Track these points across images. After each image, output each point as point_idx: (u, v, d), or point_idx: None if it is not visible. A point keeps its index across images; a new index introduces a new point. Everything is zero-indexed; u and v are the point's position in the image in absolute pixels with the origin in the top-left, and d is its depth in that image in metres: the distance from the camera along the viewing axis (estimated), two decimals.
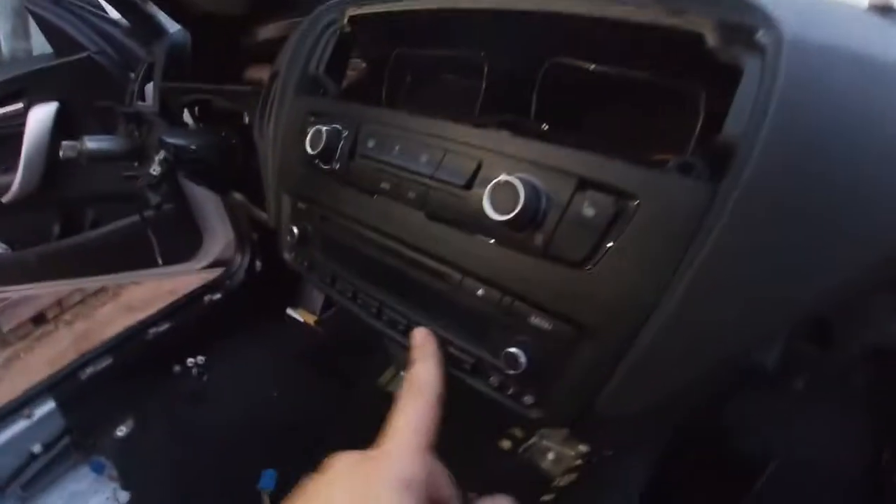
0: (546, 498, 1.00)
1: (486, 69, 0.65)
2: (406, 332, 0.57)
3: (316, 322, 1.64)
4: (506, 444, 1.07)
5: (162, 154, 0.87)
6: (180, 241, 1.66)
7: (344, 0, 0.73)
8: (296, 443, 1.39)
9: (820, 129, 0.38)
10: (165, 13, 1.19)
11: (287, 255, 0.74)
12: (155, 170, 0.85)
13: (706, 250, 0.39)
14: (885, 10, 0.50)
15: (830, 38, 0.41)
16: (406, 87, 0.79)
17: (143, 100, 1.25)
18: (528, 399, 0.50)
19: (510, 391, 0.51)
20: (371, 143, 0.58)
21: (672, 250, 0.40)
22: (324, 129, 0.61)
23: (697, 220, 0.39)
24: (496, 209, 0.44)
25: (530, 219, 0.44)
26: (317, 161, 0.63)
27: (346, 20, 0.71)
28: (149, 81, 1.21)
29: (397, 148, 0.55)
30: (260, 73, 1.06)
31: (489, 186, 0.45)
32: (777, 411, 0.86)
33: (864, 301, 0.48)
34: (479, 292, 0.50)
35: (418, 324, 0.56)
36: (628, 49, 0.53)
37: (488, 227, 0.46)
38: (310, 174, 0.66)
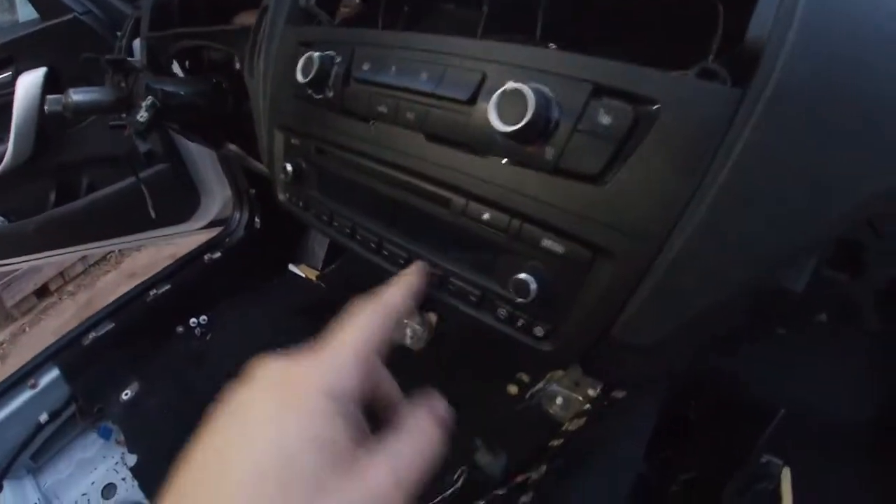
0: (555, 443, 0.99)
1: None
2: (408, 265, 0.54)
3: (318, 277, 1.61)
4: (513, 389, 1.06)
5: (149, 99, 0.82)
6: (177, 202, 1.63)
7: None
8: None
9: (851, 30, 0.35)
10: None
11: (282, 196, 0.70)
12: (142, 116, 0.81)
13: (733, 159, 0.35)
14: None
15: None
16: (403, 18, 0.74)
17: (132, 56, 1.20)
18: (538, 331, 0.47)
19: (520, 323, 0.48)
20: (366, 66, 0.54)
21: (696, 160, 0.36)
22: (315, 54, 0.57)
23: (724, 127, 0.35)
24: (503, 119, 0.40)
25: (541, 129, 0.40)
26: (309, 91, 0.59)
27: None
28: (136, 37, 1.16)
29: (394, 68, 0.51)
30: (248, 18, 1.01)
31: (495, 95, 0.41)
32: (786, 360, 0.84)
33: None
34: (486, 216, 0.46)
35: (420, 256, 0.53)
36: None
37: (494, 142, 0.43)
38: (302, 105, 0.62)
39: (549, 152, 0.41)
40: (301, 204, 0.67)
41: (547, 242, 0.44)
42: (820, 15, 0.34)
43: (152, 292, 1.56)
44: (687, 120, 0.37)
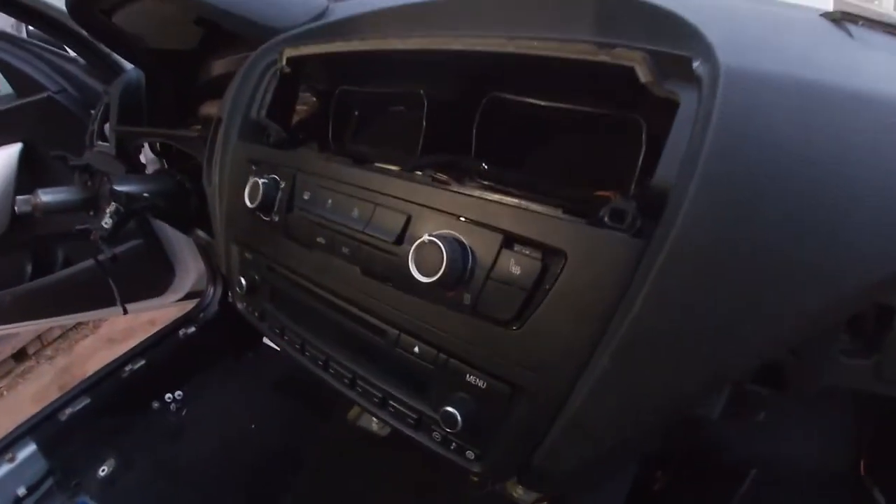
0: None
1: (426, 104, 0.64)
2: (352, 385, 0.56)
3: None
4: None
5: (113, 206, 0.85)
6: (152, 275, 1.64)
7: (281, 40, 0.71)
8: (271, 480, 1.39)
9: (756, 175, 0.35)
10: (117, 53, 1.18)
11: (239, 305, 0.72)
12: (106, 223, 0.83)
13: (636, 308, 0.37)
14: (838, 20, 0.47)
15: (776, 65, 0.38)
16: (353, 122, 0.78)
17: (104, 139, 1.23)
18: (469, 454, 0.49)
19: (452, 446, 0.50)
20: (306, 196, 0.57)
21: (601, 308, 0.39)
22: (260, 181, 0.60)
23: (627, 278, 0.37)
24: (421, 270, 0.44)
25: (457, 278, 0.43)
26: (258, 213, 0.62)
27: (284, 61, 0.70)
28: (107, 121, 1.20)
29: (330, 202, 0.55)
30: (213, 108, 1.05)
31: (413, 247, 0.44)
32: (755, 423, 0.85)
33: (814, 345, 0.47)
34: (416, 349, 0.49)
35: (362, 378, 0.55)
36: (565, 83, 0.52)
37: (418, 285, 0.45)
38: (253, 225, 0.65)
39: (467, 298, 0.44)
40: (256, 314, 0.69)
41: (471, 378, 0.46)
42: (726, 158, 0.35)
43: (127, 367, 1.56)
44: (592, 270, 0.39)
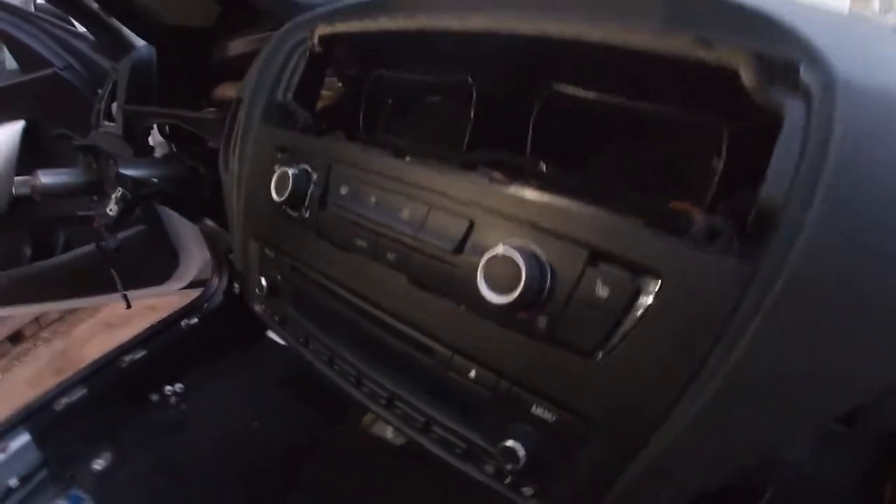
0: None
1: (474, 95, 0.57)
2: (389, 405, 0.50)
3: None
4: None
5: (119, 191, 0.79)
6: (156, 262, 1.59)
7: (313, 17, 0.65)
8: (274, 480, 1.34)
9: (883, 196, 0.31)
10: (128, 28, 1.11)
11: (256, 307, 0.66)
12: (112, 209, 0.77)
13: (741, 347, 0.32)
14: None
15: (888, 78, 0.34)
16: (386, 111, 0.71)
17: (111, 119, 1.17)
18: (527, 490, 0.44)
19: (507, 480, 0.44)
20: (344, 191, 0.51)
21: (700, 341, 0.33)
22: (290, 171, 0.54)
23: (731, 308, 0.32)
24: (493, 288, 0.37)
25: (533, 299, 0.37)
26: (284, 206, 0.56)
27: (316, 40, 0.63)
28: (115, 100, 1.14)
29: (373, 199, 0.48)
30: (230, 90, 0.98)
31: (484, 260, 0.38)
32: None
33: None
34: (472, 374, 0.43)
35: (401, 399, 0.49)
36: (640, 79, 0.46)
37: (482, 302, 0.39)
38: (278, 220, 0.58)
39: (542, 321, 0.38)
40: (277, 319, 0.63)
41: (537, 409, 0.40)
42: (852, 179, 0.31)
43: (127, 358, 1.50)
44: (691, 297, 0.34)
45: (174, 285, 1.60)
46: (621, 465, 0.38)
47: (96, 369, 1.52)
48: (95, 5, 1.07)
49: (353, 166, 0.52)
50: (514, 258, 0.36)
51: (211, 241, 1.46)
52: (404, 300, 0.46)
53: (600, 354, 0.36)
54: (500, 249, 0.37)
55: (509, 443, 0.41)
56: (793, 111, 0.33)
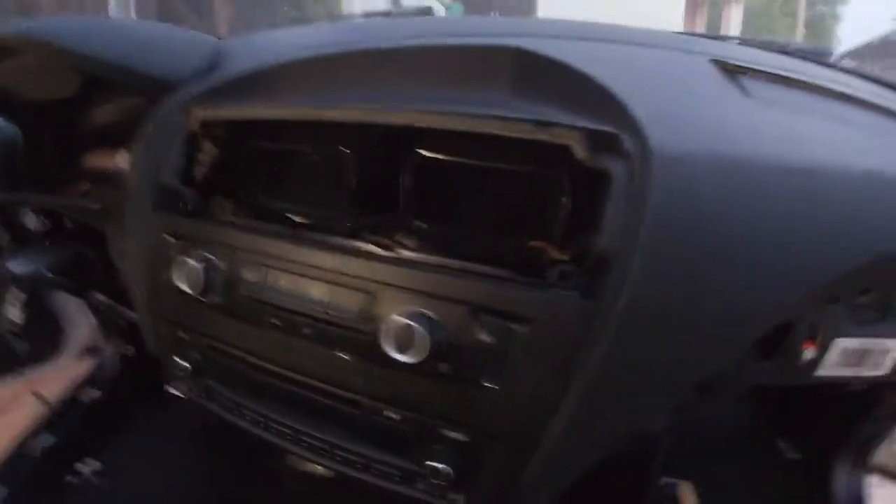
0: None
1: (351, 163, 0.64)
2: (331, 455, 0.58)
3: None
4: None
5: (22, 297, 0.76)
6: (40, 335, 1.49)
7: (186, 100, 0.67)
8: None
9: (690, 242, 0.43)
10: None
11: (177, 388, 0.70)
12: (16, 316, 0.75)
13: (595, 361, 0.44)
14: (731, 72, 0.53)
15: (697, 142, 0.44)
16: (269, 177, 0.76)
17: None
18: (458, 499, 0.53)
19: (439, 494, 0.54)
20: (252, 278, 0.57)
21: (564, 363, 0.45)
22: (198, 267, 0.58)
23: (584, 336, 0.44)
24: (400, 350, 0.46)
25: (434, 353, 0.46)
26: (194, 294, 0.60)
27: (196, 126, 0.65)
28: None
29: (282, 283, 0.55)
30: (102, 160, 0.96)
31: (390, 329, 0.47)
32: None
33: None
34: (396, 416, 0.52)
35: (339, 447, 0.57)
36: (493, 146, 0.54)
37: (394, 361, 0.47)
38: (186, 306, 0.62)
39: (442, 367, 0.47)
40: (203, 395, 0.67)
41: (453, 434, 0.50)
42: (665, 227, 0.42)
43: (36, 445, 1.41)
44: (550, 332, 0.45)
45: (68, 357, 1.53)
46: (522, 464, 0.49)
47: (7, 464, 1.41)
48: None
49: (255, 253, 0.57)
50: (413, 326, 0.45)
51: (95, 309, 1.41)
52: (325, 365, 0.54)
53: (493, 385, 0.47)
54: (400, 320, 0.46)
55: (435, 464, 0.50)
56: (617, 172, 0.44)
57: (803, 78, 0.57)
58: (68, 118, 0.97)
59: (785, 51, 0.75)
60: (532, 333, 0.45)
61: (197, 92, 0.67)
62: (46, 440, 1.41)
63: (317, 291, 0.53)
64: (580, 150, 0.45)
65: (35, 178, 1.01)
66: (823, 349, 0.51)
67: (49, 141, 1.00)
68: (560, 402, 0.45)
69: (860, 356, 0.52)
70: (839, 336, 0.51)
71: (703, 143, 0.45)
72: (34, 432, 1.42)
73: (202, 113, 0.65)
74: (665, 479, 0.96)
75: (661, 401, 0.49)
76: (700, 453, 0.97)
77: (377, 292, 0.50)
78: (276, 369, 0.58)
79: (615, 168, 0.44)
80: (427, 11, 1.76)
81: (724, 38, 1.06)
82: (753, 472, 0.91)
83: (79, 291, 1.06)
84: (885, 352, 0.53)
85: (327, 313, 0.52)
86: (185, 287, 0.59)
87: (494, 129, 0.48)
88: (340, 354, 0.53)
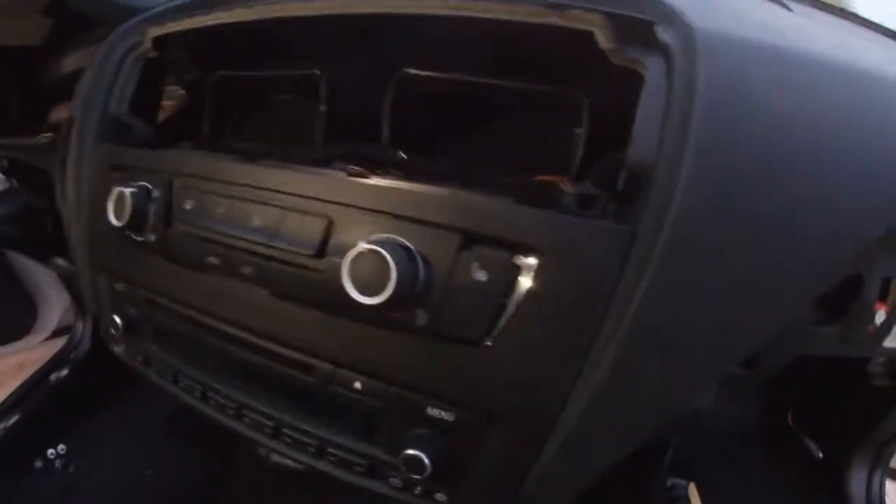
0: None
1: (324, 87, 0.53)
2: (276, 434, 0.45)
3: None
4: None
5: None
6: (11, 314, 1.41)
7: (143, 19, 0.57)
8: None
9: (749, 146, 0.31)
10: None
11: (116, 349, 0.58)
12: None
13: (635, 305, 0.31)
14: None
15: (744, 31, 0.34)
16: (234, 115, 0.65)
17: None
18: (440, 496, 0.40)
19: (417, 490, 0.41)
20: (188, 205, 0.45)
21: (590, 310, 0.32)
22: (126, 191, 0.47)
23: (616, 273, 0.31)
24: (362, 290, 0.33)
25: (407, 294, 0.33)
26: (127, 232, 0.49)
27: (149, 43, 0.56)
28: None
29: (221, 210, 0.43)
30: (66, 112, 0.88)
31: (348, 260, 0.34)
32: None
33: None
34: (357, 385, 0.39)
35: (288, 425, 0.44)
36: (493, 55, 0.44)
37: (353, 305, 0.35)
38: (122, 247, 0.51)
39: (421, 316, 0.34)
40: (140, 359, 0.55)
41: (433, 411, 0.37)
42: (717, 131, 0.30)
43: (0, 425, 1.32)
44: (573, 268, 0.32)
45: (37, 337, 1.43)
46: (533, 452, 0.36)
47: None
48: None
49: (196, 177, 0.46)
50: (381, 253, 0.32)
51: (68, 282, 1.31)
52: (270, 317, 0.41)
53: (488, 342, 0.34)
54: (363, 246, 0.33)
55: (411, 451, 0.37)
56: (653, 69, 0.33)
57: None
58: (34, 67, 0.89)
59: None
60: (543, 269, 0.32)
61: (154, 12, 0.58)
62: (11, 421, 1.32)
63: (263, 218, 0.40)
64: (605, 40, 0.34)
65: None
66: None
67: (13, 89, 0.93)
68: (584, 363, 0.32)
69: None
70: None
71: (754, 34, 0.34)
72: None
73: (154, 30, 0.56)
74: (672, 480, 0.89)
75: (712, 365, 0.36)
76: (707, 454, 0.90)
77: (339, 218, 0.37)
78: (216, 324, 0.46)
79: (649, 63, 0.33)
80: None
81: None
82: (762, 472, 0.86)
83: (38, 255, 0.96)
84: None
85: (275, 246, 0.39)
86: (117, 221, 0.47)
87: (496, 11, 0.36)
88: (290, 301, 0.40)
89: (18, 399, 1.37)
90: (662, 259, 0.30)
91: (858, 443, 0.65)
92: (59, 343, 1.47)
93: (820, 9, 0.52)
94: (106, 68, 0.59)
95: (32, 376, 1.41)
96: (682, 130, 0.30)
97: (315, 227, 0.37)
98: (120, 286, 0.54)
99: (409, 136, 0.49)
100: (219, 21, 0.50)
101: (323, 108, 0.52)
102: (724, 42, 0.32)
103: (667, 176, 0.30)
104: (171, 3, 0.58)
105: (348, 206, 0.37)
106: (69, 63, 0.86)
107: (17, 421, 1.34)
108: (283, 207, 0.39)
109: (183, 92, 0.70)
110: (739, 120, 0.31)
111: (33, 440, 1.36)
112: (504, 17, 0.36)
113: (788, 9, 0.44)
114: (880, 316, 0.40)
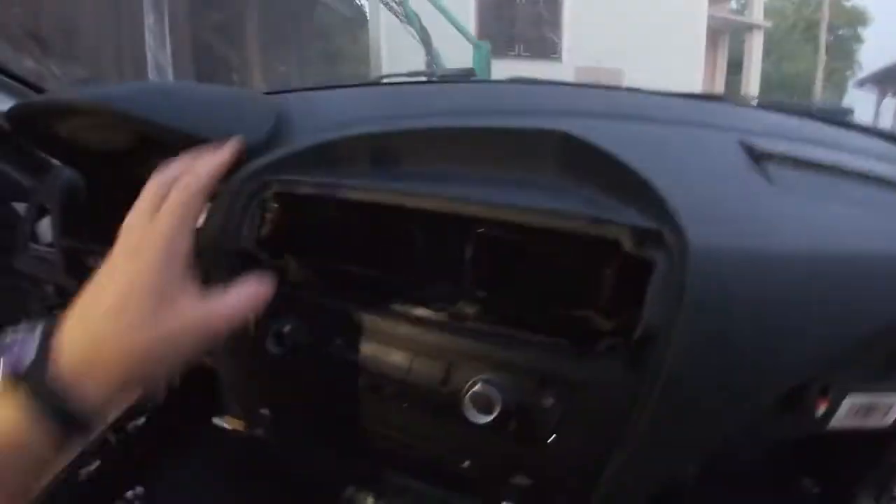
0: None
1: (418, 236, 0.68)
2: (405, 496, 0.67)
3: (247, 427, 1.46)
4: None
5: None
6: None
7: (260, 169, 0.70)
8: None
9: (724, 321, 0.51)
10: (52, 158, 1.10)
11: (255, 432, 0.81)
12: None
13: (639, 421, 0.53)
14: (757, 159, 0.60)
15: (728, 237, 0.52)
16: (336, 241, 0.78)
17: (36, 241, 1.13)
18: None
19: None
20: (338, 342, 0.65)
21: (617, 419, 0.54)
22: (287, 328, 0.66)
23: (630, 401, 0.53)
24: (479, 413, 0.55)
25: (504, 414, 0.55)
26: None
27: (272, 198, 0.70)
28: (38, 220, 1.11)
29: (366, 348, 0.63)
30: None
31: (468, 395, 0.56)
32: None
33: None
34: (466, 464, 0.61)
35: (417, 490, 0.66)
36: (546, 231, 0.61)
37: (471, 420, 0.56)
38: (276, 365, 0.68)
39: (512, 425, 0.56)
40: (283, 439, 0.77)
41: (517, 479, 0.60)
42: (701, 306, 0.49)
43: (83, 471, 1.48)
44: (605, 398, 0.55)
45: None
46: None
47: (54, 489, 1.47)
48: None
49: (344, 319, 0.65)
50: (489, 393, 0.55)
51: None
52: (402, 421, 0.64)
53: (551, 439, 0.56)
54: (478, 387, 0.55)
55: (505, 503, 0.60)
56: (660, 262, 0.52)
57: (826, 160, 0.65)
58: (127, 169, 0.98)
59: (806, 113, 0.83)
60: (586, 398, 0.55)
61: (266, 162, 0.70)
62: (92, 467, 1.47)
63: (399, 358, 0.62)
64: (628, 244, 0.53)
65: (97, 228, 1.05)
66: (835, 404, 0.59)
67: (110, 191, 1.01)
68: (610, 454, 0.54)
69: (867, 410, 0.61)
70: (850, 392, 0.59)
71: (734, 239, 0.52)
72: (82, 459, 1.49)
73: (278, 186, 0.69)
74: None
75: (694, 451, 0.58)
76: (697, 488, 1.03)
77: (455, 362, 0.59)
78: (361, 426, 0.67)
79: (658, 258, 0.52)
80: (469, 73, 1.85)
81: (745, 104, 1.12)
82: None
83: None
84: (890, 406, 0.61)
85: (406, 379, 0.61)
86: (275, 350, 0.66)
87: (551, 222, 0.56)
88: (419, 412, 0.62)
89: (100, 446, 1.53)
90: (659, 393, 0.51)
91: (859, 478, 0.73)
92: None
93: (803, 168, 0.62)
94: (233, 209, 0.70)
95: (113, 424, 1.57)
96: (674, 311, 0.50)
97: (438, 368, 0.60)
98: (269, 389, 0.74)
99: (483, 275, 0.65)
100: (353, 197, 0.65)
101: (416, 253, 0.68)
102: (710, 248, 0.49)
103: (663, 339, 0.50)
104: (287, 151, 0.70)
105: (463, 355, 0.59)
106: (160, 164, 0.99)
107: (98, 466, 1.50)
108: (413, 353, 0.61)
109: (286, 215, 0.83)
110: (717, 303, 0.50)
111: (114, 483, 1.52)
112: (557, 226, 0.55)
113: (772, 182, 0.59)
114: (823, 408, 0.58)
